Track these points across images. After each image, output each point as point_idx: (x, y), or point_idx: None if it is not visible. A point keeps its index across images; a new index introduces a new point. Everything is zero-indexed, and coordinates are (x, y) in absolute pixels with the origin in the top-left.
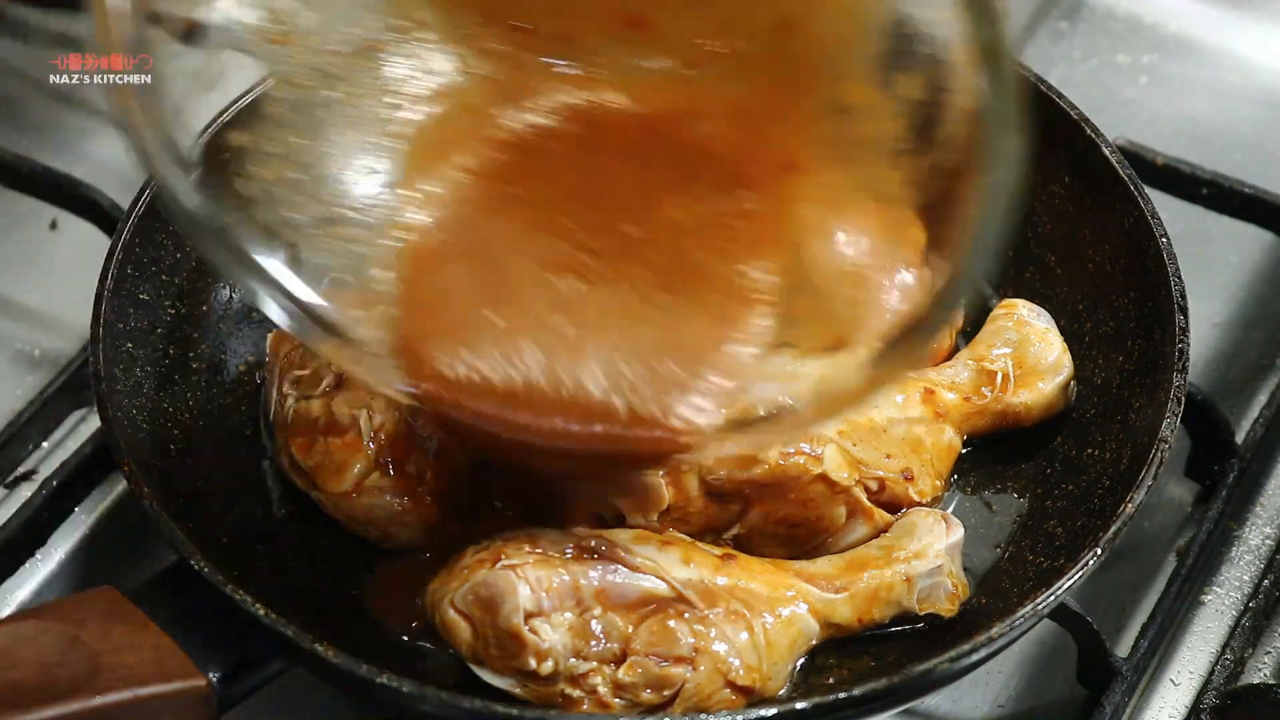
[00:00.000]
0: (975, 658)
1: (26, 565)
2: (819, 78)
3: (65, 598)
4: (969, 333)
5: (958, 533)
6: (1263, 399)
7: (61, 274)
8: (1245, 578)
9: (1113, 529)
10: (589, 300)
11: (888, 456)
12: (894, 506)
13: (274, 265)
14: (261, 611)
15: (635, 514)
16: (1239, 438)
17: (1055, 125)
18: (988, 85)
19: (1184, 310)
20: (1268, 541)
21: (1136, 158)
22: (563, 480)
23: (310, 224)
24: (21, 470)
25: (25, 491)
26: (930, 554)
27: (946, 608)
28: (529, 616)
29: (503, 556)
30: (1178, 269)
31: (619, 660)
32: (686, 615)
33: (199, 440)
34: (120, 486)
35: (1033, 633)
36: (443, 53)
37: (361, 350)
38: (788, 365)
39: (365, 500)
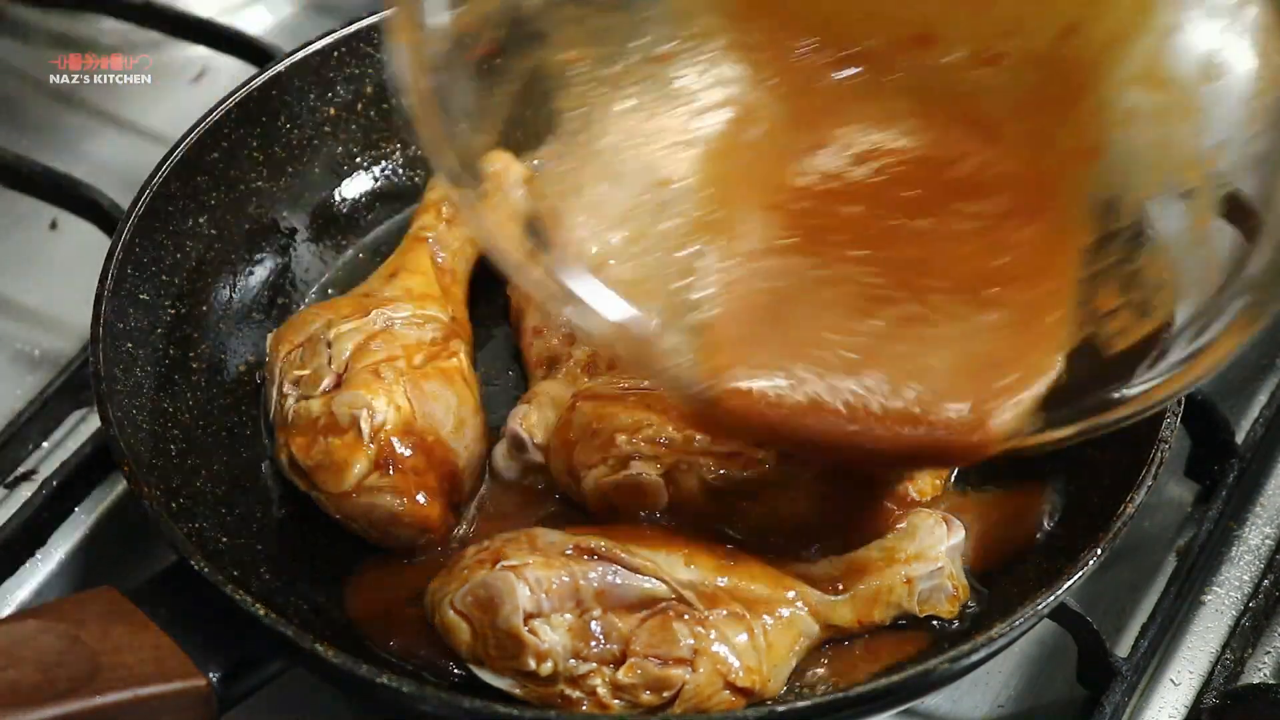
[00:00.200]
0: (975, 658)
1: (26, 565)
2: (1099, 76)
3: (65, 598)
4: None
5: (958, 534)
6: (1263, 399)
7: (61, 274)
8: (1245, 578)
9: (1113, 529)
10: (891, 319)
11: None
12: (894, 506)
13: (582, 280)
14: (261, 611)
15: (635, 512)
16: (1239, 438)
17: None
18: None
19: None
20: (1268, 541)
21: None
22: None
23: (609, 235)
24: (21, 470)
25: (25, 491)
26: (931, 556)
27: (947, 609)
28: (529, 617)
29: (503, 557)
30: None
31: (619, 661)
32: (686, 616)
33: (199, 440)
34: (120, 486)
35: (1033, 633)
36: (731, 64)
37: (665, 360)
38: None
39: (365, 500)
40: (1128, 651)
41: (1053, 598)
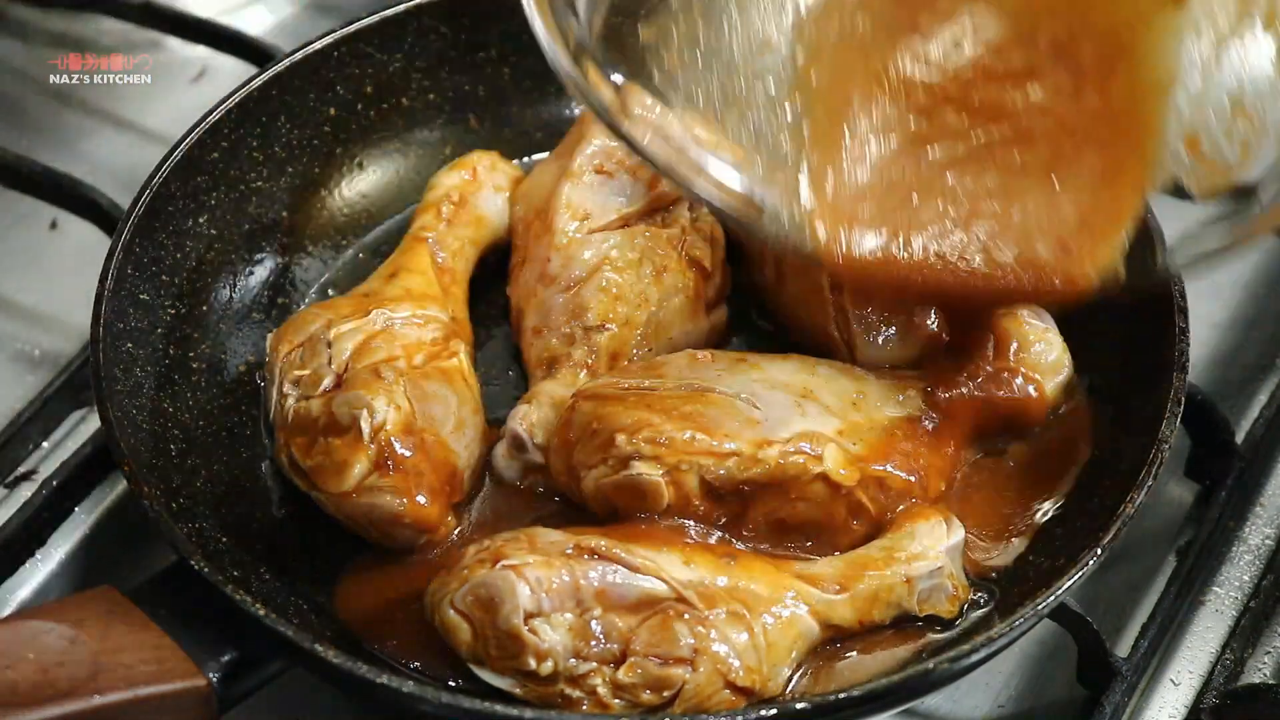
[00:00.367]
0: (975, 658)
1: (26, 565)
2: None
3: (65, 598)
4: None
5: (958, 534)
6: (1263, 399)
7: (61, 274)
8: (1245, 578)
9: (1113, 529)
10: (984, 177)
11: (888, 456)
12: (894, 506)
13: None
14: (261, 611)
15: (635, 512)
16: (1239, 438)
17: None
18: None
19: (1184, 310)
20: (1268, 541)
21: None
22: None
23: (716, 95)
24: (21, 470)
25: (25, 491)
26: (931, 555)
27: (947, 609)
28: (529, 617)
29: (503, 557)
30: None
31: (619, 661)
32: (686, 616)
33: (199, 440)
34: (120, 486)
35: (1033, 633)
36: None
37: (772, 221)
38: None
39: (365, 500)
40: (1128, 651)
41: (1053, 598)
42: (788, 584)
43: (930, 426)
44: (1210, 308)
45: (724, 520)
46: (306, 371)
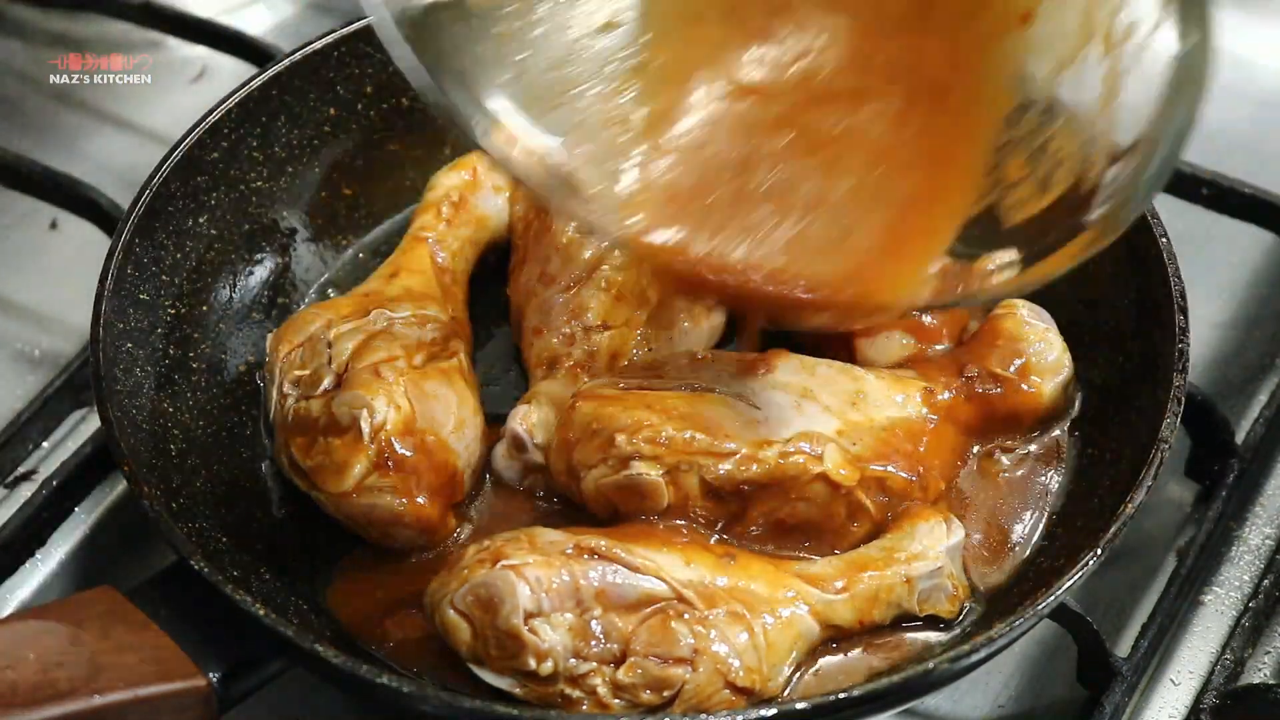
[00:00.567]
0: (975, 658)
1: (26, 565)
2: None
3: (65, 598)
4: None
5: (958, 534)
6: (1263, 399)
7: (61, 274)
8: (1245, 578)
9: (1113, 529)
10: (808, 186)
11: (888, 456)
12: (894, 506)
13: (504, 106)
14: (261, 611)
15: (635, 512)
16: (1239, 438)
17: None
18: None
19: (1184, 310)
20: (1268, 541)
21: None
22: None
23: (542, 71)
24: (21, 470)
25: (25, 491)
26: (930, 555)
27: (946, 609)
28: (529, 617)
29: (503, 557)
30: (1178, 269)
31: (619, 661)
32: (686, 616)
33: (199, 440)
34: (120, 486)
35: (1033, 633)
36: None
37: (591, 198)
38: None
39: (365, 500)
40: (1128, 651)
41: (1053, 598)
42: (788, 584)
43: (930, 427)
44: (1210, 308)
45: (724, 520)
46: (306, 371)
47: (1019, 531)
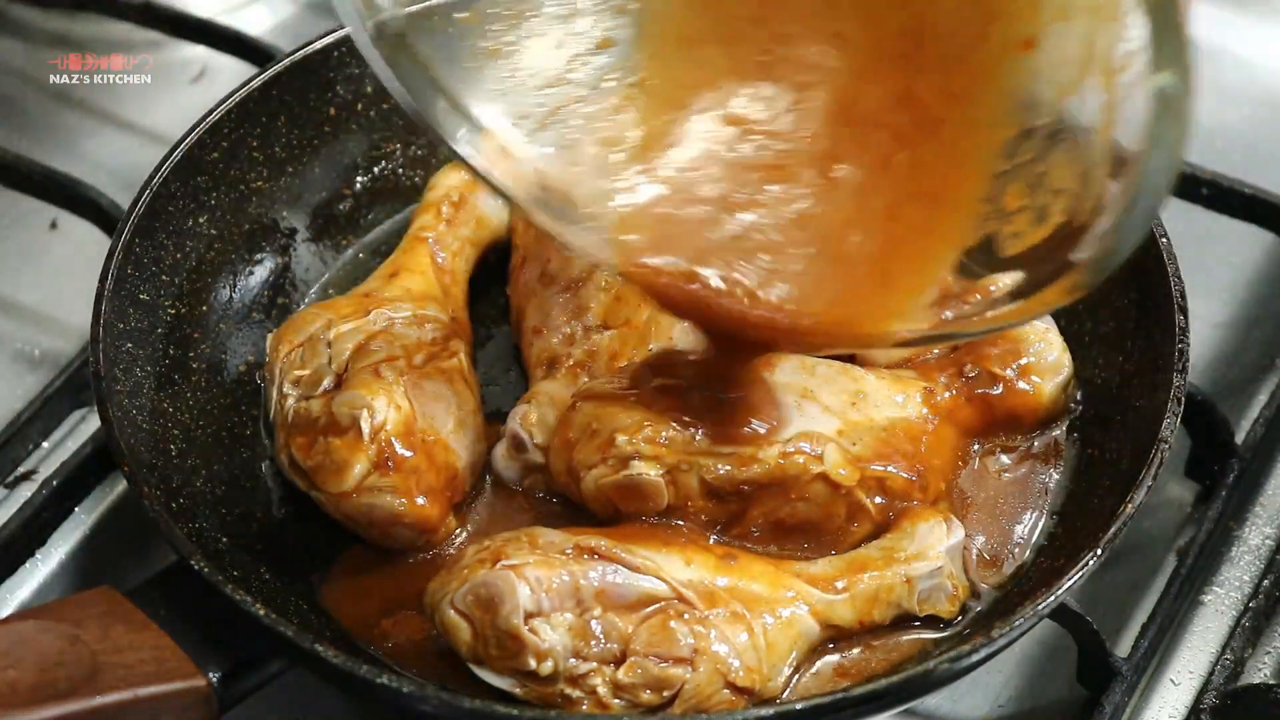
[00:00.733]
0: (975, 658)
1: (26, 565)
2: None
3: (65, 598)
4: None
5: (958, 534)
6: (1263, 399)
7: (61, 274)
8: (1245, 578)
9: (1113, 529)
10: (799, 216)
11: (888, 456)
12: (894, 506)
13: (491, 116)
14: (261, 611)
15: (635, 512)
16: (1239, 438)
17: None
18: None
19: (1184, 310)
20: (1268, 541)
21: None
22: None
23: (533, 87)
24: (21, 470)
25: (25, 491)
26: (930, 555)
27: (946, 609)
28: (529, 617)
29: (503, 557)
30: (1178, 269)
31: (619, 661)
32: (686, 616)
33: (199, 440)
34: (120, 486)
35: (1033, 633)
36: None
37: (581, 217)
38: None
39: (365, 500)
40: (1128, 651)
41: (1053, 598)
42: (788, 584)
43: (930, 427)
44: (1210, 308)
45: (724, 520)
46: (306, 371)
47: (1019, 531)
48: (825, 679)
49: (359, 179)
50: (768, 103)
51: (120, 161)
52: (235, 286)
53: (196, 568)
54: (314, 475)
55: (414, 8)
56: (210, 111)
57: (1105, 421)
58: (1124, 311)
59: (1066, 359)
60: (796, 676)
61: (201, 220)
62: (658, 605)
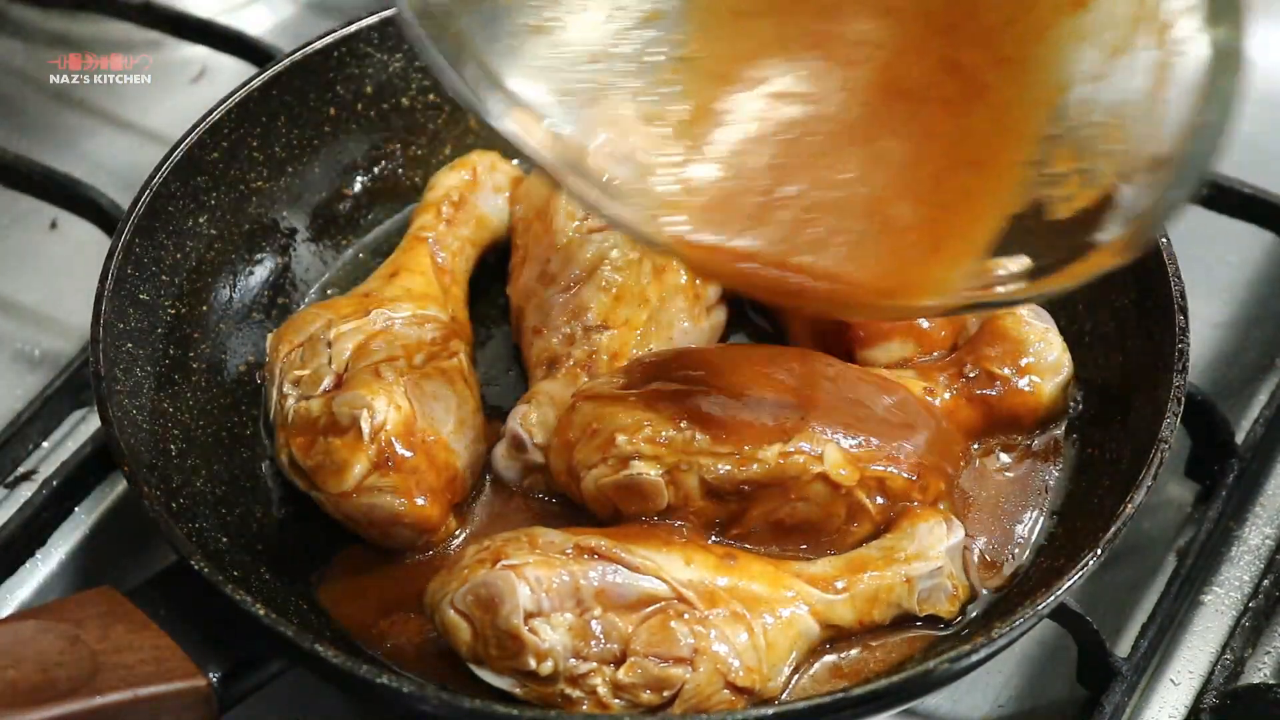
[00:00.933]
0: (975, 658)
1: (26, 565)
2: None
3: (65, 598)
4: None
5: (958, 534)
6: (1263, 399)
7: (61, 274)
8: (1245, 578)
9: (1113, 529)
10: (849, 187)
11: (888, 456)
12: (894, 506)
13: (535, 93)
14: (261, 611)
15: (635, 512)
16: (1239, 438)
17: None
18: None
19: (1184, 310)
20: (1268, 541)
21: None
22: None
23: (578, 61)
24: (21, 470)
25: (25, 491)
26: (930, 555)
27: (946, 609)
28: (529, 617)
29: (503, 557)
30: (1178, 269)
31: (619, 661)
32: (686, 616)
33: (199, 440)
34: (120, 486)
35: (1033, 633)
36: None
37: (621, 194)
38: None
39: (365, 500)
40: (1128, 651)
41: (1053, 598)
42: (788, 584)
43: None
44: (1210, 308)
45: (724, 520)
46: (306, 371)
47: (1019, 531)
48: (825, 679)
49: (359, 179)
50: (815, 75)
51: (120, 161)
52: (235, 286)
53: (196, 568)
54: (314, 475)
55: None
56: (210, 111)
57: (1105, 421)
58: (1124, 311)
59: (1066, 359)
60: (796, 676)
61: (201, 220)
62: (658, 605)
